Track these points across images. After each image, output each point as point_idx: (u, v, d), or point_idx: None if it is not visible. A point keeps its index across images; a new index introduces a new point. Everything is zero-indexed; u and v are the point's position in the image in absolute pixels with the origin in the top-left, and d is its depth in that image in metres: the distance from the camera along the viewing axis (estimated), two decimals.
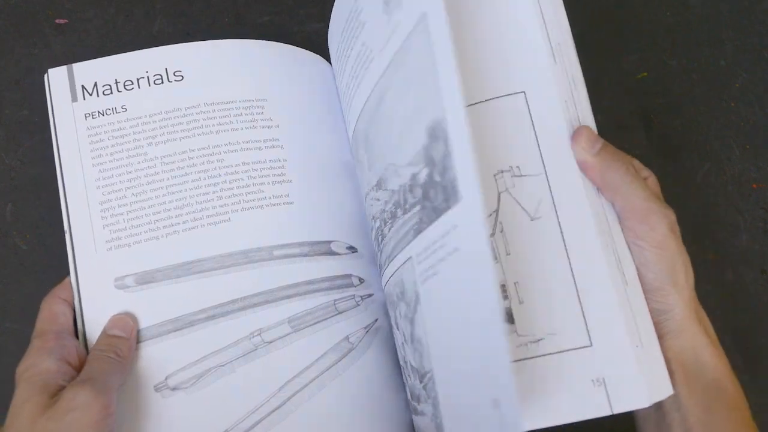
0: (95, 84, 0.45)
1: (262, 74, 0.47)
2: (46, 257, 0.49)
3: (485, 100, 0.36)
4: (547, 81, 0.36)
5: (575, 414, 0.32)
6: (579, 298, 0.33)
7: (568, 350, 0.33)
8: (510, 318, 0.34)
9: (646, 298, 0.36)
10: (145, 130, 0.44)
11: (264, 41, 0.48)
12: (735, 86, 0.57)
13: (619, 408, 0.32)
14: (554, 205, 0.35)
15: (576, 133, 0.36)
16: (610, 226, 0.36)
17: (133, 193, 0.43)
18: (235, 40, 0.47)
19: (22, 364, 0.38)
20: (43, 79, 0.45)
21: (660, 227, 0.35)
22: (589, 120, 0.38)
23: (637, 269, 0.36)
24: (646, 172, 0.39)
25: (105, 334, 0.40)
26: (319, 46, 0.51)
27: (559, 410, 0.32)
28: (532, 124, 0.36)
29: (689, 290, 0.37)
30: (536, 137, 0.36)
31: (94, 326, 0.41)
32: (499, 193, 0.35)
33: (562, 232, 0.34)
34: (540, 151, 0.35)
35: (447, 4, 0.33)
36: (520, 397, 0.30)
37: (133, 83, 0.45)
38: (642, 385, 0.33)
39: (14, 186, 0.50)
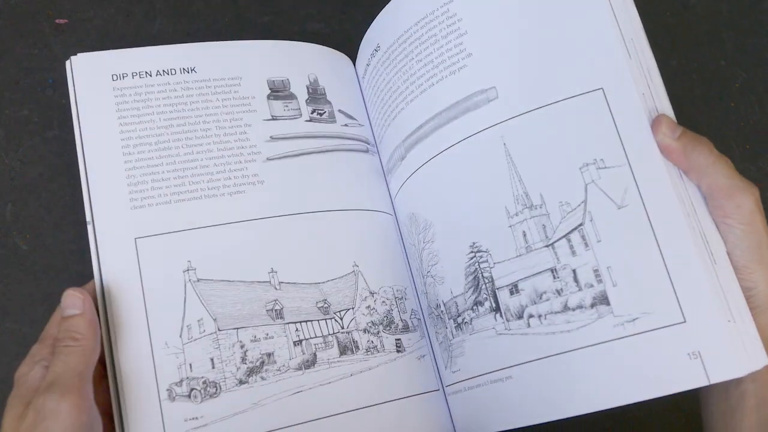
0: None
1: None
2: (46, 257, 0.48)
3: (566, 98, 0.39)
4: (624, 76, 0.38)
5: (675, 385, 0.34)
6: (670, 278, 0.35)
7: (663, 327, 0.35)
8: (605, 300, 0.37)
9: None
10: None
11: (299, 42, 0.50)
12: (735, 86, 0.57)
13: (716, 378, 0.34)
14: (639, 193, 0.37)
15: (656, 121, 0.37)
16: (695, 208, 0.38)
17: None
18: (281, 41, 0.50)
19: (18, 370, 0.38)
20: (46, 78, 0.45)
21: (747, 203, 0.37)
22: (667, 108, 0.40)
23: (726, 247, 0.37)
24: (723, 156, 0.40)
25: (60, 319, 0.39)
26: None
27: (658, 383, 0.35)
28: (612, 118, 0.38)
29: None
30: (617, 130, 0.38)
31: (113, 282, 0.41)
32: (585, 185, 0.38)
33: (649, 218, 0.36)
34: (622, 143, 0.38)
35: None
36: None
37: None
38: (735, 357, 0.34)
39: (14, 186, 0.49)
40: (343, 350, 0.43)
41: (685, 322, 0.35)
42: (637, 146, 0.37)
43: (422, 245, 0.45)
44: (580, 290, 0.38)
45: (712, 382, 0.34)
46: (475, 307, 0.42)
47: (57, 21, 0.54)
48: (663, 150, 0.37)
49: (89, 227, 0.41)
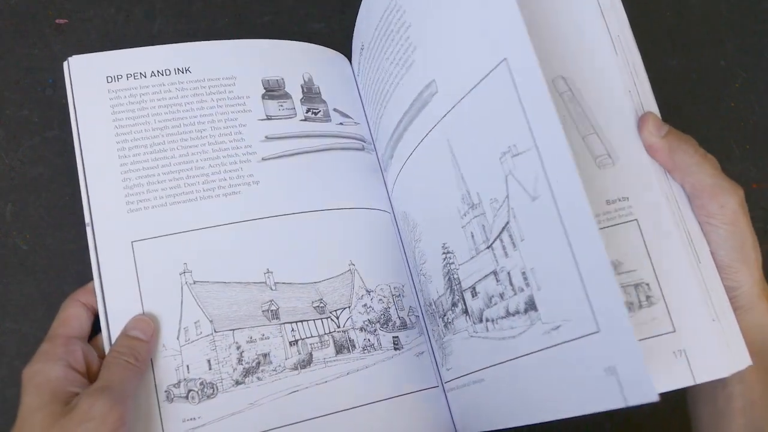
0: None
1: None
2: (46, 257, 0.49)
3: (480, 81, 0.37)
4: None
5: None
6: (582, 282, 0.33)
7: (579, 338, 0.33)
8: (533, 306, 0.35)
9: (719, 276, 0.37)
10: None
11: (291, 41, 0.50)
12: (735, 86, 0.57)
13: (702, 378, 0.33)
14: (548, 181, 0.34)
15: (642, 119, 0.37)
16: (680, 207, 0.37)
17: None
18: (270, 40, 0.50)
19: (29, 367, 0.38)
20: (46, 78, 0.45)
21: (731, 203, 0.36)
22: (653, 106, 0.39)
23: (710, 247, 0.37)
24: (709, 155, 0.40)
25: (125, 335, 0.40)
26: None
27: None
28: (517, 94, 0.35)
29: (758, 269, 0.38)
30: (523, 109, 0.35)
31: (113, 286, 0.41)
32: (505, 177, 0.36)
33: (558, 210, 0.34)
34: (528, 122, 0.35)
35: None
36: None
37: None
38: (720, 357, 0.34)
39: (14, 186, 0.50)
40: (339, 349, 0.43)
41: (599, 332, 0.32)
42: (544, 126, 0.34)
43: (413, 244, 0.45)
44: (515, 294, 0.36)
45: (698, 382, 0.34)
46: (452, 308, 0.41)
47: (57, 21, 0.54)
48: (648, 148, 0.37)
49: (88, 229, 0.42)
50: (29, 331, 0.47)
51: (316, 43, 0.51)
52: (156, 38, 0.54)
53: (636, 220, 0.36)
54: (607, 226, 0.36)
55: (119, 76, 0.45)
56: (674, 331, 0.34)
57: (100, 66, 0.45)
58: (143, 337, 0.40)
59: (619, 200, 0.36)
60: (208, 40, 0.48)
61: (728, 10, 0.58)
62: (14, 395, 0.38)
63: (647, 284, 0.35)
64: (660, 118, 0.38)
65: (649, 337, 0.34)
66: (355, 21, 0.48)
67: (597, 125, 0.37)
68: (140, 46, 0.48)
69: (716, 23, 0.58)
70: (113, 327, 0.40)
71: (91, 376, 0.39)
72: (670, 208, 0.36)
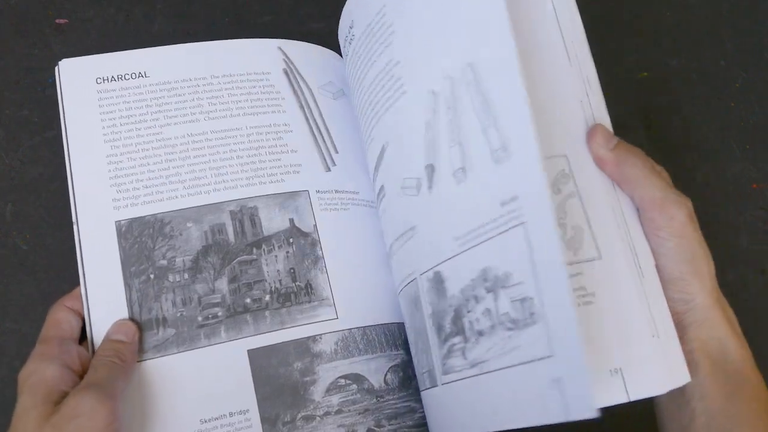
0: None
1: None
2: (46, 257, 0.48)
3: None
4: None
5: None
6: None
7: (528, 362, 0.33)
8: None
9: (669, 289, 0.37)
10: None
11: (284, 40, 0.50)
12: (735, 86, 0.57)
13: (636, 395, 0.33)
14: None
15: (591, 131, 0.37)
16: (626, 220, 0.37)
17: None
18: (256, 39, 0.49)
19: (24, 369, 0.38)
20: (46, 78, 0.45)
21: (679, 216, 0.36)
22: (605, 119, 0.39)
23: (659, 260, 0.37)
24: (658, 167, 0.40)
25: (108, 339, 0.40)
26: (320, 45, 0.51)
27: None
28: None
29: (711, 279, 0.37)
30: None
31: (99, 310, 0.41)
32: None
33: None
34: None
35: None
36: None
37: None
38: (657, 374, 0.34)
39: (14, 186, 0.50)
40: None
41: (552, 356, 0.32)
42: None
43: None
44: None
45: (632, 399, 0.33)
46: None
47: (57, 21, 0.54)
48: (596, 161, 0.37)
49: (75, 228, 0.42)
50: (29, 331, 0.47)
51: (315, 43, 0.51)
52: (156, 38, 0.54)
53: (524, 223, 0.33)
54: (500, 233, 0.35)
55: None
56: (551, 356, 0.32)
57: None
58: (126, 340, 0.40)
59: (511, 200, 0.34)
60: (208, 40, 0.48)
61: (728, 10, 0.58)
62: (14, 395, 0.38)
63: (531, 299, 0.33)
64: (610, 130, 0.38)
65: (520, 364, 0.33)
66: None
67: (549, 135, 0.36)
68: (140, 46, 0.48)
69: (716, 23, 0.58)
70: (97, 329, 0.40)
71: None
72: (615, 220, 0.36)
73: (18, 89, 0.52)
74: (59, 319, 0.40)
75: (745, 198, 0.54)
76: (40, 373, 0.37)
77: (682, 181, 0.54)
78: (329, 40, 0.52)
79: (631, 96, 0.56)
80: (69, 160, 0.43)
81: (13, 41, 0.53)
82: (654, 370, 0.34)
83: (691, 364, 0.36)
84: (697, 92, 0.56)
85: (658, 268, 0.37)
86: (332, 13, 0.56)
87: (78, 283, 0.41)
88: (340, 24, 0.46)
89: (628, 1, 0.58)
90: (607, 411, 0.34)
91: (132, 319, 0.41)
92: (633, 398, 0.33)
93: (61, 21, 0.54)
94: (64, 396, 0.37)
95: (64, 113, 0.44)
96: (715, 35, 0.58)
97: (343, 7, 0.46)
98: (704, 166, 0.55)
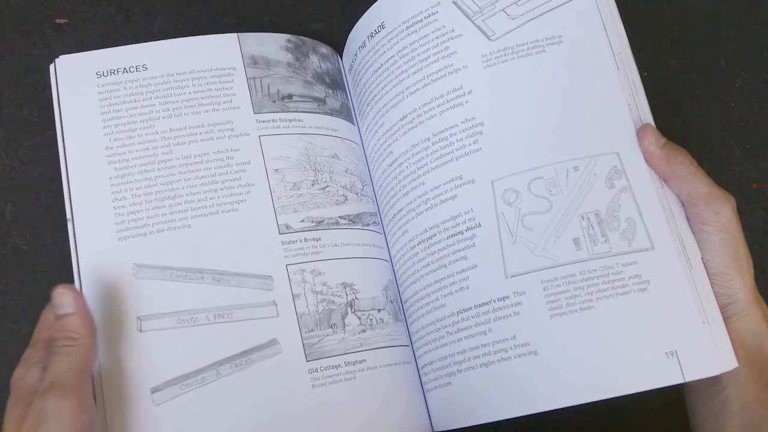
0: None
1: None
2: (46, 257, 0.48)
3: None
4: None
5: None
6: None
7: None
8: None
9: (712, 283, 0.39)
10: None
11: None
12: (735, 86, 0.57)
13: (691, 376, 0.36)
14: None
15: (642, 130, 0.40)
16: (674, 215, 0.39)
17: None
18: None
19: (14, 374, 0.38)
20: (46, 78, 0.45)
21: (725, 211, 0.38)
22: (649, 118, 0.41)
23: (704, 255, 0.39)
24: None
25: (55, 318, 0.38)
26: None
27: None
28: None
29: (750, 276, 0.39)
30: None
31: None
32: None
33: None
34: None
35: None
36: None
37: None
38: (709, 357, 0.36)
39: (14, 186, 0.50)
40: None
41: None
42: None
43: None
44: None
45: (687, 380, 0.35)
46: None
47: (57, 21, 0.54)
48: (647, 157, 0.39)
49: (69, 224, 0.42)
50: (29, 331, 0.46)
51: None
52: (156, 38, 0.54)
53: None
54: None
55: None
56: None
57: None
58: (72, 310, 0.38)
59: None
60: None
61: (728, 10, 0.58)
62: None
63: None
64: (658, 130, 0.40)
65: None
66: (356, 22, 0.48)
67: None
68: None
69: (716, 23, 0.58)
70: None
71: None
72: (665, 214, 0.39)
73: (18, 89, 0.52)
74: (50, 320, 0.40)
75: (745, 198, 0.54)
76: (24, 377, 0.37)
77: None
78: (329, 40, 0.52)
79: None
80: (65, 158, 0.43)
81: (13, 41, 0.53)
82: (706, 353, 0.36)
83: None
84: (697, 92, 0.56)
85: (703, 262, 0.39)
86: (332, 14, 0.56)
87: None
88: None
89: (628, 1, 0.58)
90: (609, 411, 0.34)
91: (68, 285, 0.40)
92: (688, 379, 0.36)
93: (61, 21, 0.54)
94: None
95: (60, 110, 0.44)
96: (715, 35, 0.58)
97: (343, 7, 0.46)
98: (704, 166, 0.54)
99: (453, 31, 0.43)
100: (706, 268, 0.39)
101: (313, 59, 0.49)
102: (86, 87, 0.45)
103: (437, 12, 0.44)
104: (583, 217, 0.39)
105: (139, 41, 0.53)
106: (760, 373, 0.38)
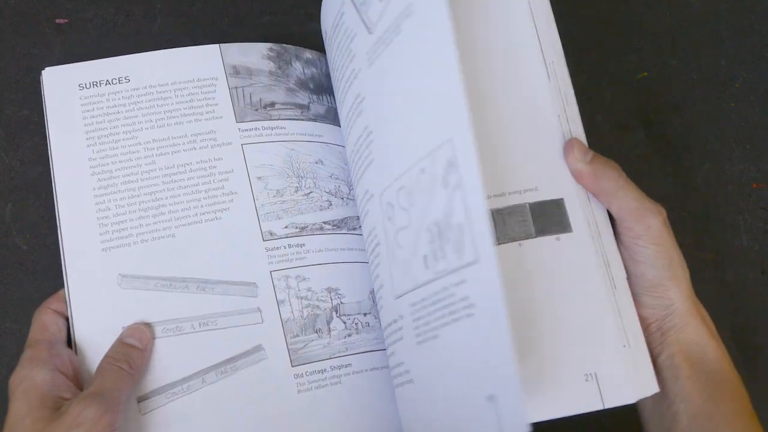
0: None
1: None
2: (46, 257, 0.48)
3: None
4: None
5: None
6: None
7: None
8: None
9: (648, 295, 0.38)
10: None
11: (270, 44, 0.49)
12: (735, 86, 0.57)
13: (611, 402, 0.33)
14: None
15: (568, 145, 0.38)
16: (599, 233, 0.38)
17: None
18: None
19: (15, 375, 0.38)
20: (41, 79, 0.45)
21: (655, 224, 0.37)
22: (580, 133, 0.40)
23: (637, 268, 0.38)
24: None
25: (120, 342, 0.39)
26: (320, 46, 0.51)
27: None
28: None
29: (687, 284, 0.39)
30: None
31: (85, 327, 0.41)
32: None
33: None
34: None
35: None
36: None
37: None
38: (630, 382, 0.34)
39: (14, 186, 0.50)
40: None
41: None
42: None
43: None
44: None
45: (606, 407, 0.34)
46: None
47: (57, 21, 0.54)
48: (574, 174, 0.38)
49: (59, 233, 0.43)
50: (29, 331, 0.47)
51: (315, 44, 0.51)
52: (156, 38, 0.54)
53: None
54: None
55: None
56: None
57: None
58: (139, 345, 0.39)
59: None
60: (209, 40, 0.48)
61: (728, 10, 0.58)
62: None
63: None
64: (585, 144, 0.38)
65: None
66: None
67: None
68: (140, 45, 0.48)
69: (716, 23, 0.58)
70: (79, 332, 0.41)
71: (77, 381, 0.39)
72: (589, 231, 0.36)
73: (18, 89, 0.52)
74: (46, 322, 0.40)
75: (745, 198, 0.54)
76: (31, 378, 0.37)
77: (682, 181, 0.54)
78: None
79: (631, 96, 0.56)
80: (52, 169, 0.44)
81: (13, 41, 0.53)
82: (626, 378, 0.34)
83: (672, 368, 0.38)
84: (697, 92, 0.56)
85: (638, 276, 0.38)
86: None
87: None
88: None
89: (628, 1, 0.58)
90: (609, 411, 0.34)
91: (145, 323, 0.41)
92: (608, 405, 0.34)
93: (61, 21, 0.54)
94: (59, 400, 0.36)
95: (47, 120, 0.44)
96: (715, 35, 0.58)
97: None
98: (704, 166, 0.55)
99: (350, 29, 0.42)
100: (640, 281, 0.38)
101: (297, 66, 0.49)
102: (70, 99, 0.45)
103: (344, 13, 0.42)
104: (428, 230, 0.35)
105: (139, 41, 0.53)
106: (705, 382, 0.37)
